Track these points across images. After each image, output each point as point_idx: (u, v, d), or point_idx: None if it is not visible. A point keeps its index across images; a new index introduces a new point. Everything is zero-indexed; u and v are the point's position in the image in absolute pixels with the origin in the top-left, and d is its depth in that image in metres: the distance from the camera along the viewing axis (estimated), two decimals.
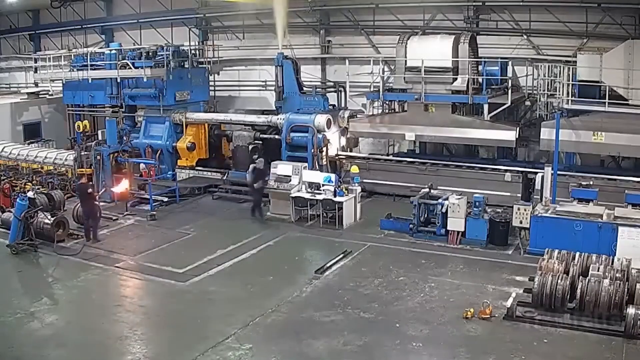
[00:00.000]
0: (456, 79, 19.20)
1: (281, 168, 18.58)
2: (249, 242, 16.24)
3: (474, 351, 10.53)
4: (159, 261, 15.02)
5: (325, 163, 20.12)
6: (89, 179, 18.54)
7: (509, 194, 17.52)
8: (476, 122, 19.04)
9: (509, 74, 20.52)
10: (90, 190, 16.77)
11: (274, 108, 22.41)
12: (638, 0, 19.20)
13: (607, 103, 16.65)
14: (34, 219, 16.00)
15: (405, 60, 19.72)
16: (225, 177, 21.24)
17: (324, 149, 20.03)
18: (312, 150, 19.86)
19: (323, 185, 17.58)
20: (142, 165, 22.34)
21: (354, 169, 18.45)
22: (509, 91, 18.92)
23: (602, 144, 17.06)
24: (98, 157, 20.09)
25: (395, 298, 12.72)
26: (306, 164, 18.84)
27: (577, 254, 12.62)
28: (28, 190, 17.58)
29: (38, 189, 18.45)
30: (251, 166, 18.32)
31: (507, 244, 15.50)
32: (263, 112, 22.12)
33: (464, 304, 12.13)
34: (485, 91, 19.17)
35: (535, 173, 16.77)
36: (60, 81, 24.96)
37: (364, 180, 19.10)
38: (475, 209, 15.51)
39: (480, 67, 19.90)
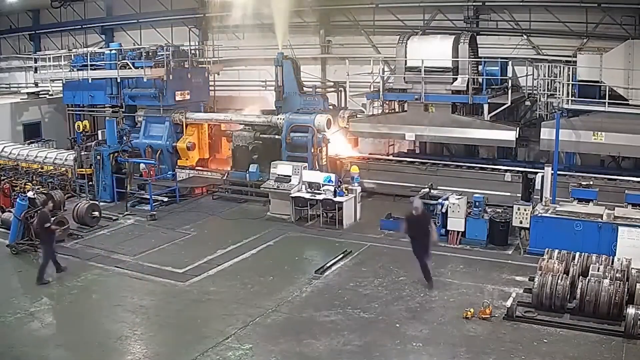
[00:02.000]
0: (456, 79, 19.18)
1: (281, 168, 18.58)
2: (249, 242, 16.25)
3: (474, 351, 10.54)
4: (159, 261, 15.02)
5: (325, 163, 20.14)
6: (51, 206, 15.47)
7: (509, 194, 17.51)
8: (476, 122, 19.03)
9: (509, 74, 20.52)
10: (48, 225, 14.26)
11: (274, 108, 22.39)
12: (638, 0, 19.21)
13: (607, 103, 16.65)
14: (34, 219, 15.98)
15: (405, 60, 19.71)
16: (225, 177, 21.23)
17: (324, 148, 20.04)
18: (312, 150, 19.88)
19: (323, 185, 17.58)
20: (142, 165, 22.36)
21: (354, 169, 18.44)
22: (509, 91, 18.92)
23: (602, 144, 17.06)
24: (98, 157, 20.09)
25: (395, 298, 12.72)
26: (306, 164, 18.84)
27: (577, 254, 12.65)
28: (28, 190, 17.56)
29: (38, 189, 18.45)
30: (416, 204, 13.52)
31: (507, 244, 15.50)
32: (262, 112, 22.13)
33: (464, 304, 12.14)
34: (485, 91, 19.16)
35: (535, 173, 16.80)
36: (60, 81, 24.98)
37: (364, 180, 19.10)
38: (475, 209, 15.52)
39: (480, 67, 19.90)
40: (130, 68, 22.42)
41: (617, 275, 11.64)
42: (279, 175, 18.44)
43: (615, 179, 16.89)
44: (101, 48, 27.68)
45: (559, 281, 11.60)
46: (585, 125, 17.15)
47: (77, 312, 12.64)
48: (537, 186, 16.15)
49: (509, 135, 18.45)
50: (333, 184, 17.44)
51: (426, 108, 19.57)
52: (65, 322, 12.15)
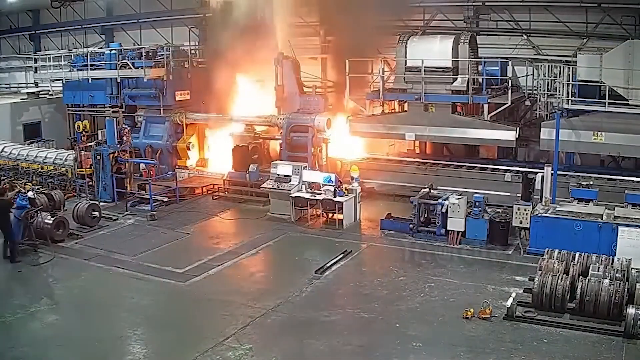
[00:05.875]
0: (456, 79, 19.17)
1: (281, 168, 18.57)
2: (249, 242, 16.24)
3: (474, 351, 10.54)
4: (159, 261, 15.01)
5: (325, 163, 20.14)
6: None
7: (509, 194, 17.52)
8: (476, 122, 19.03)
9: (509, 74, 20.52)
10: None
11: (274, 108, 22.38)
12: (638, 0, 19.21)
13: (607, 103, 16.64)
14: (34, 219, 15.99)
15: (405, 60, 19.71)
16: (224, 177, 21.23)
17: (324, 148, 20.06)
18: (312, 150, 19.87)
19: (323, 185, 17.58)
20: (142, 165, 22.35)
21: (354, 169, 18.43)
22: (509, 91, 18.91)
23: (602, 144, 17.04)
24: (98, 157, 20.09)
25: (395, 298, 12.73)
26: (306, 164, 18.83)
27: (577, 254, 12.66)
28: (28, 190, 17.56)
29: (38, 189, 18.44)
30: None
31: (507, 244, 15.50)
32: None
33: (464, 304, 12.14)
34: (485, 91, 19.15)
35: (535, 173, 16.79)
36: (60, 81, 24.99)
37: (364, 180, 19.09)
38: (475, 209, 15.52)
39: (480, 67, 19.89)
40: (130, 68, 22.44)
41: (617, 275, 11.64)
42: (279, 175, 18.43)
43: (615, 179, 16.90)
44: (101, 48, 27.69)
45: (559, 281, 11.60)
46: (585, 125, 17.14)
47: (77, 312, 12.64)
48: (537, 186, 16.16)
49: (509, 135, 18.43)
50: (333, 184, 17.44)
51: (426, 108, 19.55)
52: (65, 322, 12.14)
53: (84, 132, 24.61)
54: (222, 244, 16.15)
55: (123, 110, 23.69)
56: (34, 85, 30.71)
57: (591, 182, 15.70)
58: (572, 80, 17.22)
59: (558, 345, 10.68)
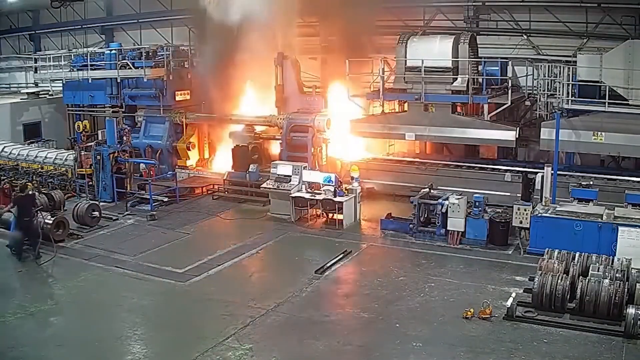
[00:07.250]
0: (456, 79, 19.18)
1: (281, 168, 18.57)
2: (249, 242, 16.24)
3: (474, 351, 10.54)
4: (159, 261, 15.01)
5: (325, 163, 20.14)
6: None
7: (509, 194, 17.52)
8: (476, 122, 19.04)
9: (509, 74, 20.52)
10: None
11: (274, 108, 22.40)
12: (638, 0, 19.21)
13: (607, 103, 16.65)
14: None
15: (405, 60, 19.71)
16: (225, 177, 21.23)
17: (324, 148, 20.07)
18: (312, 150, 19.87)
19: (323, 185, 17.58)
20: (142, 165, 22.37)
21: (354, 169, 18.43)
22: (509, 91, 18.91)
23: (602, 144, 17.05)
24: (98, 157, 20.10)
25: (395, 298, 12.73)
26: (306, 164, 18.83)
27: (577, 254, 12.66)
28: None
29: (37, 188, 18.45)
30: None
31: (507, 244, 15.50)
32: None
33: (464, 304, 12.14)
34: (485, 91, 19.16)
35: (535, 173, 16.79)
36: (60, 81, 25.00)
37: (364, 180, 19.09)
38: (475, 209, 15.52)
39: (480, 67, 19.89)
40: (130, 68, 22.45)
41: (617, 275, 11.65)
42: (279, 175, 18.43)
43: (615, 179, 16.89)
44: (101, 48, 27.69)
45: (559, 281, 11.60)
46: (585, 125, 17.15)
47: (77, 312, 12.64)
48: (537, 186, 16.16)
49: (509, 135, 18.45)
50: (333, 184, 17.44)
51: (426, 108, 19.56)
52: (65, 322, 12.14)
53: (84, 132, 24.65)
54: (222, 244, 16.14)
55: (123, 110, 23.73)
56: (34, 85, 30.74)
57: (591, 182, 15.70)
58: (572, 80, 17.23)
59: (558, 345, 10.68)
